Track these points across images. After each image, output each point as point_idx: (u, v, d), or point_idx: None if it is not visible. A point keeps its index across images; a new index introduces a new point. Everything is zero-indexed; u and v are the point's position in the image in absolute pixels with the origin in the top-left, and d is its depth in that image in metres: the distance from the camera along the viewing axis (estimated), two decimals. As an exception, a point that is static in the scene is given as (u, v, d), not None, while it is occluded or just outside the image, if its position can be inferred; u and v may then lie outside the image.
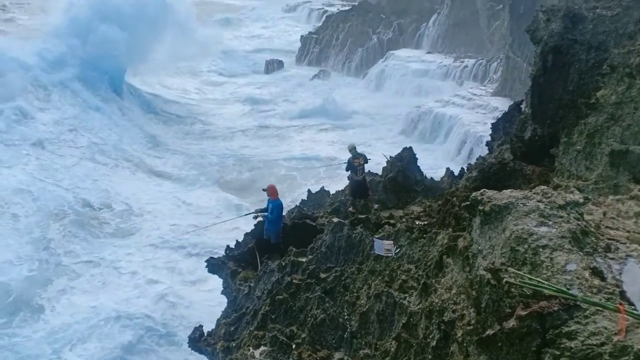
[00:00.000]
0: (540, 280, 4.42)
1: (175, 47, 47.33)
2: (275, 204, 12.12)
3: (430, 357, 6.86)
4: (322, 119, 41.88)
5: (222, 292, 12.95)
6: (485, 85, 39.90)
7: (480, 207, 5.92)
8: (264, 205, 13.01)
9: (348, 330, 8.15)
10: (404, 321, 7.61)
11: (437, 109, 36.86)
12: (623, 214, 6.81)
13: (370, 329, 7.93)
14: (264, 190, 12.65)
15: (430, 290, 7.53)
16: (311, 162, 33.04)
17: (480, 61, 42.65)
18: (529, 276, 4.50)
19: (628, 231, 6.12)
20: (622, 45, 9.04)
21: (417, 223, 11.03)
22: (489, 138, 16.40)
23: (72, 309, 19.87)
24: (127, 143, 35.38)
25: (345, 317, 8.30)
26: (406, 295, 7.97)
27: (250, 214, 12.87)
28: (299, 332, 8.66)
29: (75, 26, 41.65)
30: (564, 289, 4.36)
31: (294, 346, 8.49)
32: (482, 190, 6.19)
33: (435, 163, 28.06)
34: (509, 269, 4.63)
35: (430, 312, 7.17)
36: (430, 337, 7.00)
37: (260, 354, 8.75)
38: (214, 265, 13.31)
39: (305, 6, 78.63)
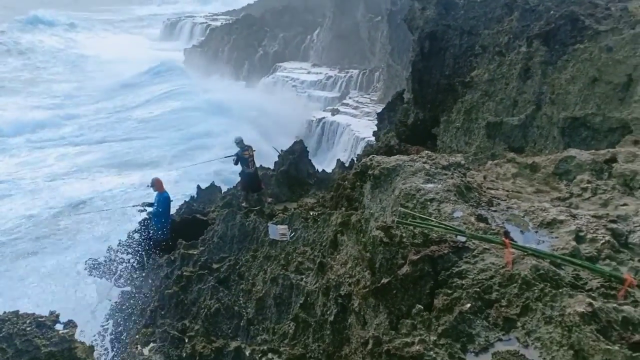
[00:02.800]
0: (429, 218, 4.44)
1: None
2: (161, 197, 11.58)
3: (328, 332, 6.72)
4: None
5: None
6: (369, 94, 41.39)
7: (370, 172, 6.01)
8: None
9: (244, 317, 7.78)
10: (301, 301, 7.42)
11: (327, 117, 37.68)
12: (502, 176, 7.12)
13: (267, 314, 7.63)
14: (149, 186, 12.03)
15: (326, 268, 7.43)
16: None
17: (364, 71, 44.14)
18: (419, 215, 4.50)
19: (507, 190, 6.39)
20: (491, 27, 9.61)
21: (311, 214, 10.95)
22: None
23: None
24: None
25: (241, 304, 7.93)
26: (303, 276, 7.82)
27: (136, 206, 12.13)
28: (192, 325, 8.13)
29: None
30: (452, 226, 4.41)
31: (186, 339, 7.96)
32: (370, 156, 6.29)
33: (328, 167, 28.49)
34: (400, 208, 4.61)
35: (327, 288, 7.05)
36: (328, 313, 6.87)
37: (150, 350, 8.11)
38: (93, 267, 12.24)
39: (187, 21, 76.48)
